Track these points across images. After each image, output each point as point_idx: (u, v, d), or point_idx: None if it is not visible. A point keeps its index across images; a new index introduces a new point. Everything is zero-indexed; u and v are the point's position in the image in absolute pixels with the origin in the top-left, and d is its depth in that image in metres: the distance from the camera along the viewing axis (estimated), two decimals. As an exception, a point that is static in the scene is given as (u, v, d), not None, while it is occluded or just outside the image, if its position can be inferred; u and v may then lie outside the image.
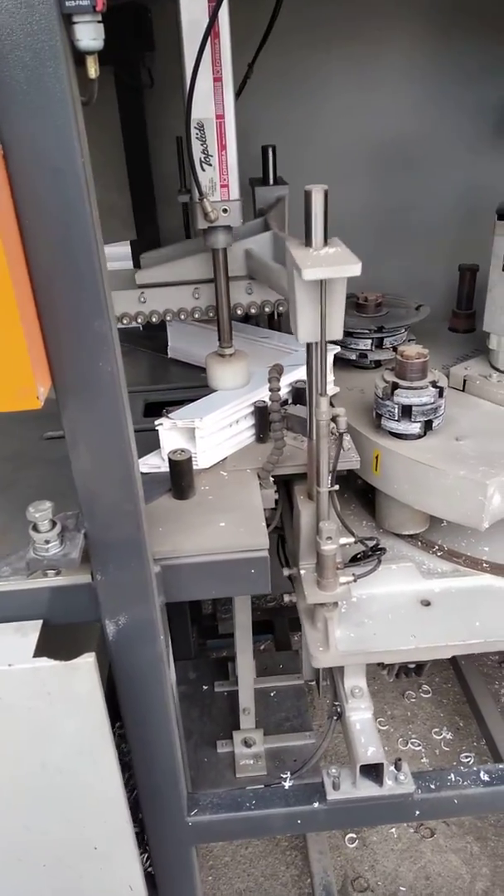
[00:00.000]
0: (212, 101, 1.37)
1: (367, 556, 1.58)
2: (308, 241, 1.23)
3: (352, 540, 1.54)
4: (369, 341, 1.95)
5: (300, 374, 1.73)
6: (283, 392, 1.73)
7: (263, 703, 2.46)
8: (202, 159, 1.41)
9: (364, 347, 1.95)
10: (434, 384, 1.62)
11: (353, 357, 1.98)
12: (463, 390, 1.90)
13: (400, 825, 2.49)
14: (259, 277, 1.67)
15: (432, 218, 2.54)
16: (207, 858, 2.41)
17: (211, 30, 1.29)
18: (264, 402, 1.64)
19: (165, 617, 1.43)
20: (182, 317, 1.76)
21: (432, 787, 1.62)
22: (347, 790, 1.59)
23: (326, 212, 1.21)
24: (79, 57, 0.86)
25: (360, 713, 1.64)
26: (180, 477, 1.45)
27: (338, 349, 1.85)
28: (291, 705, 2.47)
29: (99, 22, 0.83)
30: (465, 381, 1.89)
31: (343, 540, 1.47)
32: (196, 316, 1.76)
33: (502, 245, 1.78)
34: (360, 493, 1.92)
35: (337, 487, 1.42)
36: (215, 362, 1.68)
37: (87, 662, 1.21)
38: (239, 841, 2.45)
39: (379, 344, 1.96)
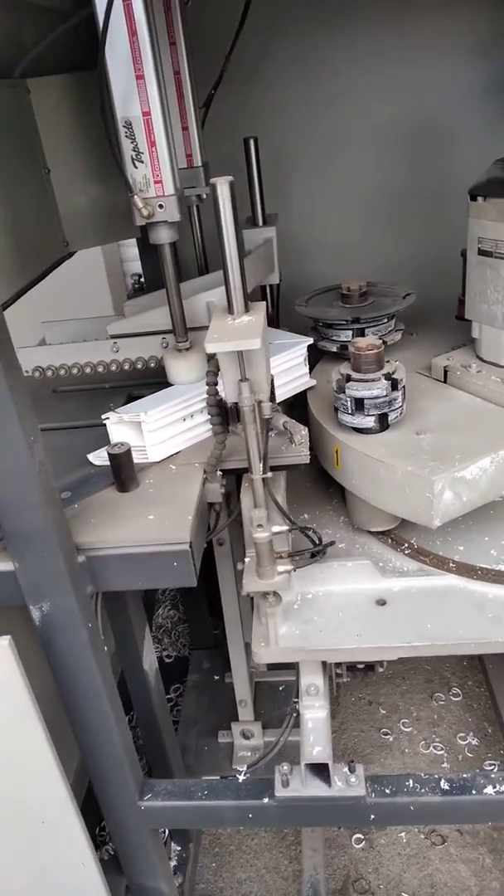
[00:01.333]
0: (136, 99, 1.38)
1: (318, 547, 1.55)
2: (229, 308, 1.26)
3: (285, 528, 1.48)
4: (350, 332, 1.90)
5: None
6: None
7: (271, 697, 2.48)
8: (133, 156, 1.43)
9: (346, 339, 1.91)
10: (388, 376, 1.56)
11: (335, 349, 1.93)
12: (445, 381, 1.82)
13: (410, 830, 2.42)
14: None
15: (450, 201, 2.42)
16: (214, 845, 2.45)
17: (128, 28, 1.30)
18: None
19: (99, 604, 1.48)
20: (152, 364, 1.88)
21: (387, 791, 1.57)
22: (296, 788, 1.57)
23: (236, 209, 1.19)
24: None
25: (313, 711, 1.62)
26: (119, 470, 1.48)
27: (309, 341, 1.82)
28: (290, 702, 2.45)
29: None
30: (445, 371, 1.80)
31: (275, 528, 1.42)
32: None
33: (477, 227, 1.68)
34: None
35: (270, 475, 1.40)
36: (171, 357, 1.70)
37: (2, 646, 1.27)
38: (245, 831, 2.47)
39: (360, 334, 1.90)
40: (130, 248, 3.62)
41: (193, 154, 1.84)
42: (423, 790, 1.56)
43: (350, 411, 1.58)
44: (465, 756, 2.62)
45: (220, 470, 1.57)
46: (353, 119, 2.34)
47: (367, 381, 1.56)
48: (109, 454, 1.47)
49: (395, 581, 1.59)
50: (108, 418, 1.56)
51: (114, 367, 1.95)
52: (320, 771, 1.56)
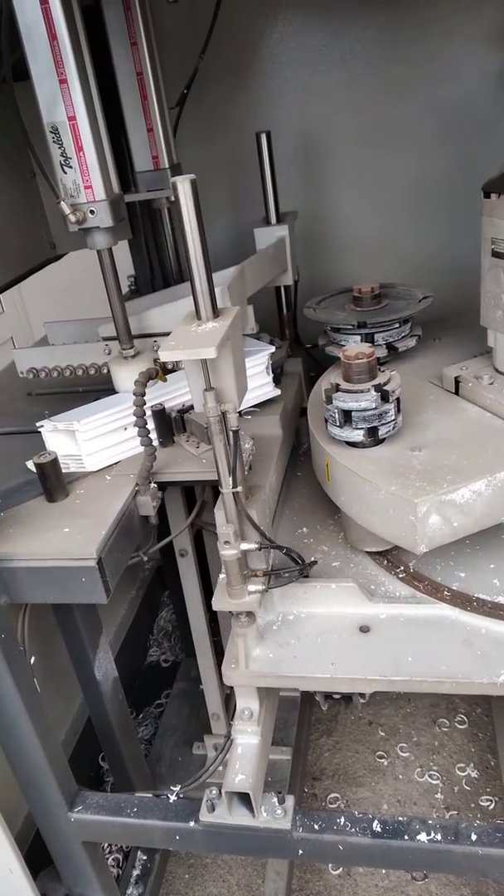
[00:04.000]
0: (61, 103, 1.35)
1: (298, 566, 1.45)
2: (197, 314, 1.20)
3: (254, 546, 1.39)
4: (358, 337, 1.76)
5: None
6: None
7: (254, 711, 2.41)
8: (62, 162, 1.40)
9: (353, 344, 1.77)
10: (378, 387, 1.43)
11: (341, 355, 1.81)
12: (456, 393, 1.66)
13: (392, 862, 2.31)
14: None
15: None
16: (189, 857, 2.42)
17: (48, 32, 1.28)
18: (161, 405, 1.60)
19: (26, 615, 1.47)
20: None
21: (315, 827, 1.49)
22: (221, 815, 1.52)
23: (199, 208, 1.13)
24: None
25: (245, 737, 1.55)
26: (45, 480, 1.46)
27: (272, 349, 1.74)
28: (279, 717, 2.38)
29: None
30: (457, 382, 1.65)
31: (244, 545, 1.34)
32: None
33: (490, 227, 1.53)
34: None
35: (240, 489, 1.31)
36: (116, 364, 1.66)
37: None
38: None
39: (370, 340, 1.76)
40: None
41: (160, 156, 1.80)
42: (353, 829, 1.47)
43: (338, 423, 1.47)
44: (462, 788, 2.48)
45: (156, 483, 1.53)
46: (382, 112, 2.22)
47: (355, 391, 1.44)
48: (35, 463, 1.46)
49: (383, 607, 1.46)
50: (41, 426, 1.54)
51: (105, 370, 1.87)
52: (247, 799, 1.50)
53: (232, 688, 2.33)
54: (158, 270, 2.19)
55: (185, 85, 1.94)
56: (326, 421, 1.52)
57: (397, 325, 1.78)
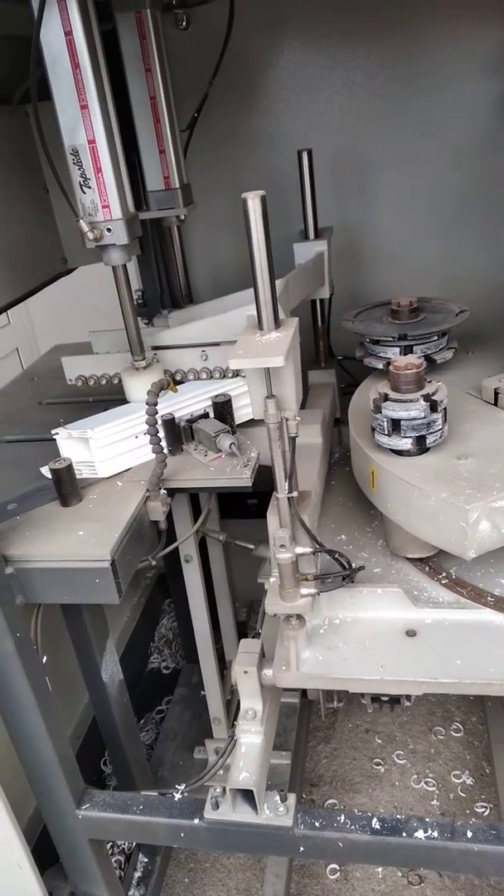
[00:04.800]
0: (81, 127, 1.43)
1: (347, 571, 1.50)
2: (259, 324, 1.25)
3: (309, 550, 1.44)
4: (397, 350, 1.82)
5: (222, 387, 1.73)
6: (204, 406, 1.75)
7: (254, 716, 2.45)
8: (81, 182, 1.47)
9: (392, 356, 1.79)
10: (427, 397, 1.48)
11: (381, 366, 1.84)
12: (495, 404, 1.71)
13: (388, 867, 2.35)
14: None
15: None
16: (189, 861, 2.45)
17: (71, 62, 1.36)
18: (171, 415, 1.66)
19: (39, 616, 1.52)
20: (191, 377, 1.84)
21: (316, 825, 1.54)
22: (225, 812, 1.56)
23: (266, 221, 1.17)
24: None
25: (248, 736, 1.60)
26: (60, 485, 1.52)
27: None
28: (278, 723, 2.42)
29: None
30: (496, 393, 1.70)
31: (299, 549, 1.39)
32: (203, 377, 1.83)
33: None
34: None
35: (295, 494, 1.37)
36: (128, 375, 1.73)
37: None
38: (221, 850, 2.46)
39: (408, 352, 1.81)
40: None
41: (171, 176, 1.87)
42: (353, 827, 1.52)
43: (387, 432, 1.52)
44: (458, 795, 2.52)
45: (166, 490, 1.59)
46: (418, 128, 2.28)
47: (404, 401, 1.48)
48: (51, 469, 1.52)
49: (428, 612, 1.51)
50: (56, 433, 1.61)
51: None
52: (250, 797, 1.55)
53: (233, 693, 2.39)
54: (166, 286, 2.26)
55: (195, 109, 2.02)
56: (373, 429, 1.56)
57: (436, 337, 1.82)
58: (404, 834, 1.49)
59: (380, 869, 2.35)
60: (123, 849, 2.32)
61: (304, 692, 2.70)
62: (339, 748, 2.76)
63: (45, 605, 1.61)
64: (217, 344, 1.78)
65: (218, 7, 2.02)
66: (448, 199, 2.34)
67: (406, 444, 1.51)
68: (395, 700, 1.73)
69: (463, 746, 2.69)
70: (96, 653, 1.85)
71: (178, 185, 1.89)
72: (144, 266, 2.32)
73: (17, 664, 1.44)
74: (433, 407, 1.49)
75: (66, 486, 1.53)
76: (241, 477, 1.57)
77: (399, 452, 1.53)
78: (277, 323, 1.27)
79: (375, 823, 1.52)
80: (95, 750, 2.47)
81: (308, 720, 2.77)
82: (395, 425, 1.50)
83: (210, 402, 1.73)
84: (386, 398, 1.50)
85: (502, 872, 1.62)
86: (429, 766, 2.64)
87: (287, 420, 1.28)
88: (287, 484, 1.32)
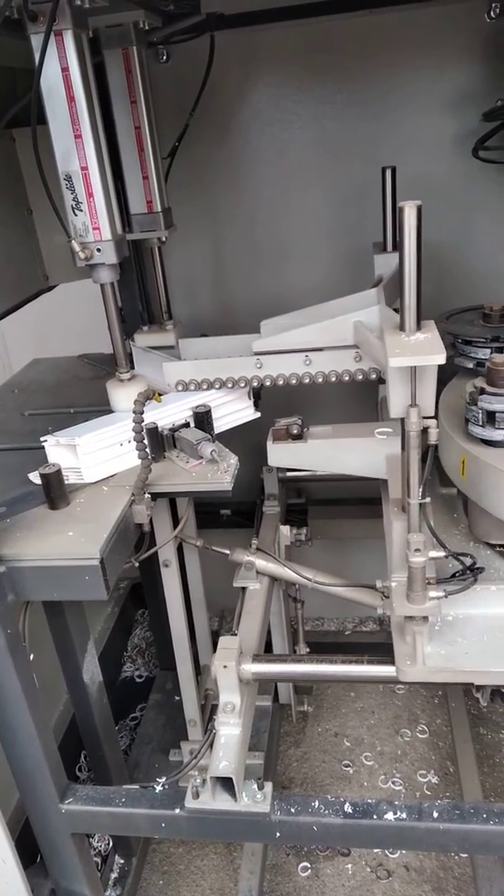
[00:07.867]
0: (75, 155, 1.53)
1: (464, 573, 1.56)
2: (402, 325, 1.32)
3: (442, 554, 1.51)
4: (488, 350, 1.92)
5: (202, 398, 1.84)
6: (185, 416, 1.85)
7: (227, 719, 2.52)
8: (74, 206, 1.58)
9: (483, 357, 1.92)
10: None
11: (471, 366, 1.96)
12: None
13: (357, 863, 2.44)
14: (363, 348, 1.78)
15: None
16: (164, 863, 2.50)
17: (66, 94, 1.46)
18: (154, 423, 1.76)
19: (27, 614, 1.59)
20: (293, 381, 1.87)
21: (292, 810, 1.62)
22: (205, 801, 1.64)
23: (420, 230, 1.22)
24: None
25: (227, 728, 1.68)
26: (49, 489, 1.60)
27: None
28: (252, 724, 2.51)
29: None
30: None
31: (433, 553, 1.45)
32: (306, 381, 1.86)
33: None
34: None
35: (428, 500, 1.44)
36: (113, 386, 1.82)
37: None
38: (196, 851, 2.52)
39: (499, 352, 1.89)
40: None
41: (153, 200, 1.99)
42: (326, 811, 1.61)
43: (481, 423, 1.62)
44: (423, 793, 2.63)
45: (150, 494, 1.68)
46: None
47: (500, 395, 1.60)
48: (41, 474, 1.60)
49: None
50: (45, 440, 1.69)
51: (255, 384, 1.92)
52: (229, 786, 1.63)
53: (207, 696, 2.46)
54: (146, 303, 2.37)
55: (176, 138, 2.15)
56: (467, 421, 1.67)
57: None
58: (375, 816, 1.59)
59: (349, 865, 2.43)
60: (100, 850, 2.36)
61: (275, 696, 2.79)
62: (309, 751, 2.84)
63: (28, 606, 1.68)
64: (321, 349, 1.84)
65: (196, 42, 2.16)
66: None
67: (500, 434, 1.61)
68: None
69: (428, 747, 2.81)
70: (78, 653, 1.92)
71: (160, 209, 2.01)
72: (123, 285, 2.43)
73: (7, 660, 1.51)
74: None
75: (55, 490, 1.61)
76: (221, 481, 1.67)
77: (492, 443, 1.63)
78: (419, 325, 1.32)
79: (348, 808, 1.61)
80: (72, 753, 2.51)
81: (280, 723, 2.85)
82: (490, 417, 1.61)
83: (191, 413, 1.83)
84: (482, 391, 1.62)
85: (465, 848, 1.72)
86: (396, 767, 2.74)
87: (429, 429, 1.34)
88: (421, 490, 1.39)
